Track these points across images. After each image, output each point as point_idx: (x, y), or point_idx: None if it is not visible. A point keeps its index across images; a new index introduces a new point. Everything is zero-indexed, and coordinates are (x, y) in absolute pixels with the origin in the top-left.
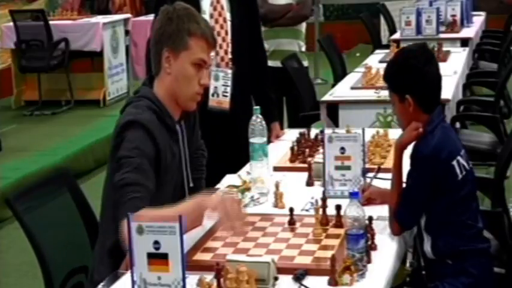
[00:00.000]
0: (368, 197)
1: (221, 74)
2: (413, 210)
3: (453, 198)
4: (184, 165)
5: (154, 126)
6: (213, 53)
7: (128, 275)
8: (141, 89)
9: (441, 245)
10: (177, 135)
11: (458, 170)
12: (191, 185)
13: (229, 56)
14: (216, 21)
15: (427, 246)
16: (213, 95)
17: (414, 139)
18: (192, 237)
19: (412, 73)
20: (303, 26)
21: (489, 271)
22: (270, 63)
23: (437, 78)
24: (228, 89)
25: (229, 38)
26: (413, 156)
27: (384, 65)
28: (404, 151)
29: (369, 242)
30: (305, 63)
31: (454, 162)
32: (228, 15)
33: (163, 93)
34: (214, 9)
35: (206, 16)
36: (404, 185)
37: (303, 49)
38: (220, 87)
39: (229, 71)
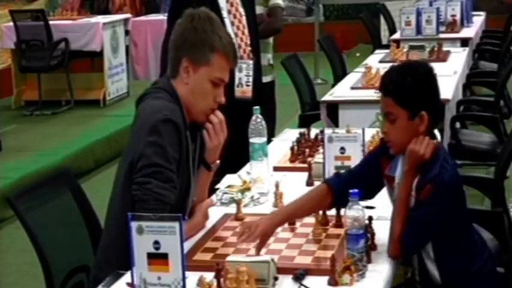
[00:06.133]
0: None
1: (244, 65)
2: (424, 237)
3: (466, 219)
4: (191, 168)
5: (181, 125)
6: (235, 44)
7: (128, 274)
8: (159, 81)
9: (453, 270)
10: (187, 141)
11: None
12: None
13: (249, 48)
14: (234, 16)
15: (434, 273)
16: (237, 86)
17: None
18: (192, 237)
19: (429, 88)
20: (271, 38)
21: (495, 274)
22: None
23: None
24: (250, 79)
25: (246, 31)
26: (432, 183)
27: (384, 65)
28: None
29: (369, 242)
30: (269, 77)
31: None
32: (242, 10)
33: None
34: (231, 5)
35: (224, 12)
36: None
37: (271, 62)
38: (244, 77)
39: (251, 62)
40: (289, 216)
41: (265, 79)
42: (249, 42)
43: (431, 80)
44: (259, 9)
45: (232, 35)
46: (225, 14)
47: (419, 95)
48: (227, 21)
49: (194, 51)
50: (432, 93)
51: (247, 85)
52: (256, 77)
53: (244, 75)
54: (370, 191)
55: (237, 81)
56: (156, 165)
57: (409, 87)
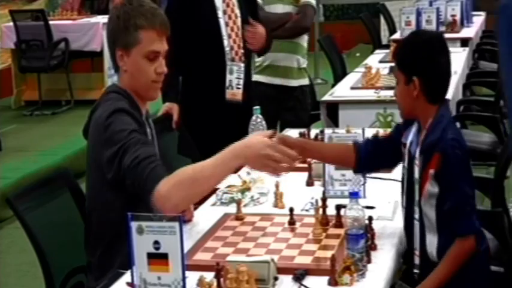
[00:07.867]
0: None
1: (235, 67)
2: (471, 211)
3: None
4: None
5: (130, 110)
6: (227, 46)
7: (128, 274)
8: (108, 87)
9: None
10: (145, 126)
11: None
12: None
13: (242, 50)
14: (230, 17)
15: (432, 248)
16: (227, 88)
17: None
18: (192, 237)
19: (424, 56)
20: (304, 39)
21: (489, 272)
22: (263, 78)
23: (447, 71)
24: (241, 82)
25: (240, 33)
26: (443, 154)
27: (384, 65)
28: None
29: (369, 242)
30: (305, 81)
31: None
32: (238, 12)
33: (127, 89)
34: (227, 5)
35: (219, 12)
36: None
37: (304, 65)
38: (234, 80)
39: (242, 64)
40: (317, 147)
41: (291, 83)
42: (242, 44)
43: (429, 47)
44: (287, 8)
45: (226, 36)
46: (220, 14)
47: (412, 60)
48: (221, 22)
49: (122, 37)
50: (425, 61)
51: (238, 88)
52: (247, 79)
53: (235, 77)
54: (392, 159)
55: (227, 84)
56: (120, 147)
57: (405, 52)
